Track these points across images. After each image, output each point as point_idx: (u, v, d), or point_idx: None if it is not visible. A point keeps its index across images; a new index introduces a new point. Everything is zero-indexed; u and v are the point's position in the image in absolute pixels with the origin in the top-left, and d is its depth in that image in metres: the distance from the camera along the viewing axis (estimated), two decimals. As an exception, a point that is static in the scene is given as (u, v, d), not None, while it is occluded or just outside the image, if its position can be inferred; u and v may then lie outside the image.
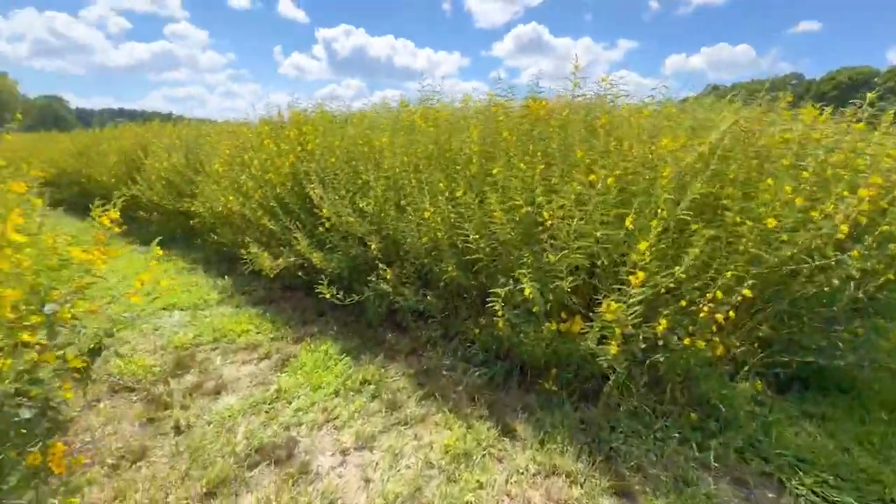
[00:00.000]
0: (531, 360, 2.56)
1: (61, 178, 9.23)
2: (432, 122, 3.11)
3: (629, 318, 1.90)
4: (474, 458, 2.03)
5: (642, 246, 1.91)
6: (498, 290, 2.24)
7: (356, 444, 2.13)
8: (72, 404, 2.31)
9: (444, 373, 2.77)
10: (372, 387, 2.60)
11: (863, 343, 2.39)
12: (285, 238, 3.45)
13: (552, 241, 2.14)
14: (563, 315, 2.45)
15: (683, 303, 2.02)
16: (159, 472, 1.92)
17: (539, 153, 2.36)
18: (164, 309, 3.79)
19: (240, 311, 3.73)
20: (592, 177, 1.98)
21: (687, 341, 2.01)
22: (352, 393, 2.55)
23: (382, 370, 2.79)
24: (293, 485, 1.87)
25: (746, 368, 2.23)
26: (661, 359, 2.09)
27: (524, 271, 2.12)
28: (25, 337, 0.99)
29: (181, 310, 3.79)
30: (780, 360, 2.37)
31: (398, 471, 1.97)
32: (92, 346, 1.52)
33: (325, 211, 3.15)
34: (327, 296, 2.86)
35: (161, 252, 1.97)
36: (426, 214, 2.52)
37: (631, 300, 1.87)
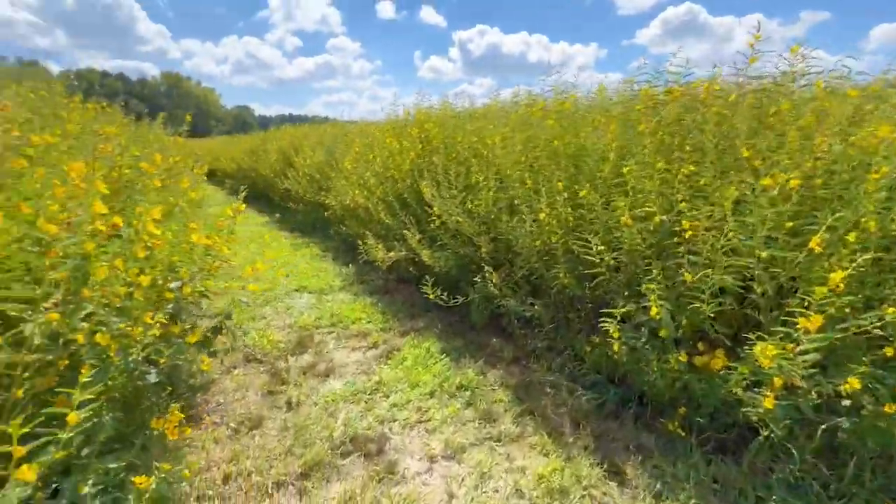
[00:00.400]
0: (653, 392, 2.17)
1: (239, 172, 11.12)
2: (553, 116, 2.85)
3: (797, 368, 1.44)
4: (571, 497, 1.77)
5: (836, 277, 1.41)
6: (614, 311, 1.93)
7: (445, 453, 2.04)
8: (213, 369, 2.67)
9: (548, 390, 2.53)
10: (468, 393, 2.49)
11: None
12: (399, 232, 3.54)
13: (691, 257, 1.75)
14: (700, 346, 2.01)
15: (889, 351, 1.47)
16: (268, 444, 2.08)
17: (686, 148, 1.96)
18: (296, 290, 4.22)
19: (357, 298, 3.96)
20: (766, 180, 1.54)
21: (890, 409, 1.45)
22: (447, 396, 2.47)
23: (481, 376, 2.66)
24: (378, 482, 1.85)
25: None
26: (846, 425, 1.55)
27: (652, 287, 1.78)
28: (147, 319, 1.11)
29: (310, 293, 4.18)
30: None
31: (484, 492, 1.82)
32: (215, 323, 1.68)
33: (435, 209, 3.13)
34: (431, 296, 2.83)
35: (243, 207, 2.10)
36: (541, 216, 2.30)
37: (803, 347, 1.41)
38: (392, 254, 3.38)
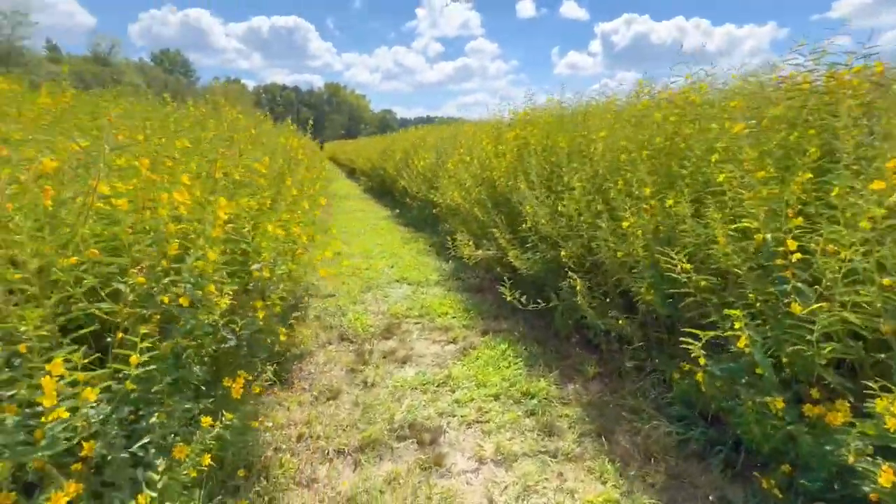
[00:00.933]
0: (749, 438, 1.82)
1: (372, 171, 12.31)
2: (666, 111, 2.53)
3: (935, 436, 1.08)
4: (620, 535, 1.60)
5: None
6: (699, 332, 1.67)
7: (495, 458, 2.01)
8: (310, 343, 3.05)
9: (624, 413, 2.30)
10: (534, 401, 2.40)
11: None
12: (490, 232, 3.56)
13: (800, 285, 1.42)
14: (815, 393, 1.63)
15: None
16: (339, 414, 2.31)
17: (809, 151, 1.59)
18: (397, 281, 4.54)
19: (449, 294, 4.10)
20: (877, 183, 1.17)
21: None
22: (511, 402, 2.43)
23: (552, 387, 2.54)
24: (424, 471, 1.92)
25: None
26: None
27: (738, 313, 1.50)
28: (211, 289, 1.33)
29: (409, 284, 4.45)
30: None
31: (525, 506, 1.75)
32: (291, 302, 1.92)
33: (526, 208, 3.07)
34: (508, 298, 2.79)
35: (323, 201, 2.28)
36: (624, 224, 2.10)
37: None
38: (480, 252, 3.42)
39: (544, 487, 1.84)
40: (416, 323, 3.51)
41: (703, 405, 2.11)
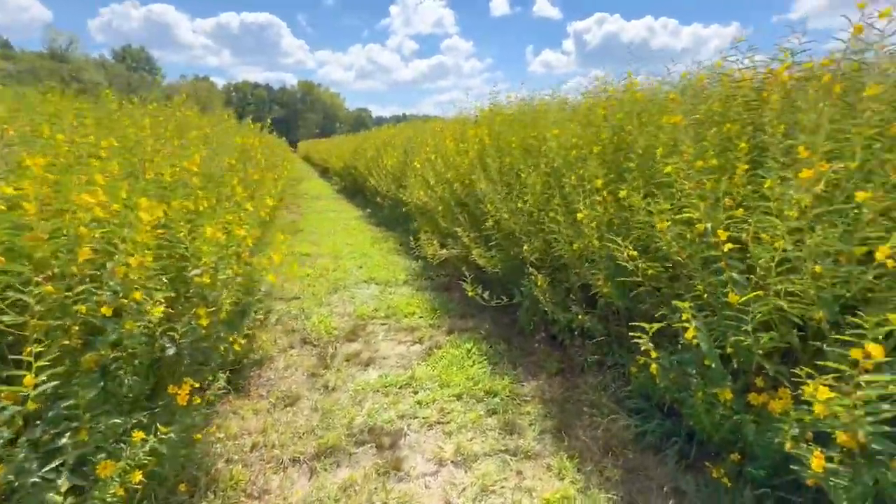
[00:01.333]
0: (701, 429, 1.85)
1: (344, 170, 12.14)
2: (608, 108, 2.53)
3: (861, 421, 1.10)
4: (574, 531, 1.60)
5: None
6: (647, 325, 1.69)
7: (455, 459, 1.99)
8: (271, 348, 2.96)
9: (585, 408, 2.32)
10: (496, 400, 2.39)
11: None
12: (453, 231, 3.53)
13: (735, 275, 1.44)
14: (760, 381, 1.66)
15: None
16: (296, 421, 2.25)
17: (740, 144, 1.61)
18: (365, 281, 4.47)
19: (417, 293, 4.05)
20: (805, 172, 1.19)
21: None
22: (474, 401, 2.41)
23: (516, 384, 2.54)
24: (380, 476, 1.88)
25: None
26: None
27: (687, 304, 1.51)
28: (137, 296, 1.25)
29: (377, 284, 4.38)
30: None
31: (482, 507, 1.73)
32: (241, 308, 1.85)
33: (488, 207, 3.05)
34: (470, 293, 2.77)
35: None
36: (579, 216, 2.10)
37: (865, 392, 1.08)
38: (444, 251, 3.39)
39: (503, 487, 1.83)
40: (383, 324, 3.46)
41: (658, 397, 2.14)
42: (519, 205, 2.69)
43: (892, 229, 1.12)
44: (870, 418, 1.11)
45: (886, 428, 1.11)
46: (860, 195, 1.11)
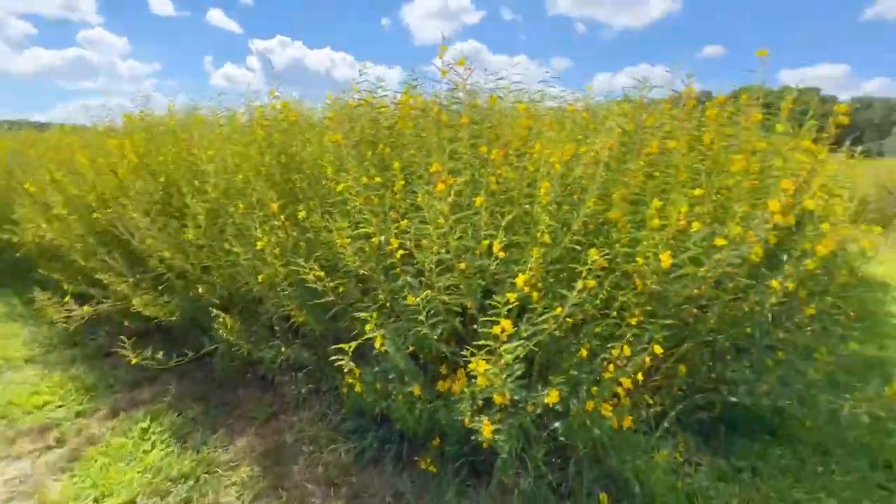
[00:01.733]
0: (407, 427, 1.97)
1: None
2: (275, 127, 2.42)
3: (506, 382, 1.36)
4: None
5: (519, 280, 1.39)
6: (343, 346, 1.64)
7: None
8: None
9: (304, 448, 2.12)
10: (188, 484, 1.88)
11: (787, 373, 2.05)
12: (103, 276, 2.64)
13: (408, 279, 1.58)
14: (443, 369, 1.89)
15: (584, 353, 1.53)
16: None
17: (396, 161, 1.80)
18: (-58, 377, 2.80)
19: (51, 374, 2.82)
20: (440, 185, 1.44)
21: (589, 405, 1.51)
22: (158, 498, 1.82)
23: (216, 452, 2.08)
24: None
25: (666, 424, 1.77)
26: (559, 428, 1.57)
27: (368, 315, 1.54)
28: None
29: (-30, 376, 2.82)
30: (701, 402, 1.97)
31: None
32: None
33: (148, 241, 2.41)
34: (134, 361, 2.10)
35: None
36: (259, 244, 1.87)
37: (505, 358, 1.33)
38: (86, 308, 2.47)
39: None
40: (-19, 438, 2.22)
41: (371, 410, 2.18)
42: (188, 236, 2.21)
43: (499, 227, 1.45)
44: (510, 378, 1.38)
45: (521, 382, 1.42)
46: (478, 200, 1.40)
